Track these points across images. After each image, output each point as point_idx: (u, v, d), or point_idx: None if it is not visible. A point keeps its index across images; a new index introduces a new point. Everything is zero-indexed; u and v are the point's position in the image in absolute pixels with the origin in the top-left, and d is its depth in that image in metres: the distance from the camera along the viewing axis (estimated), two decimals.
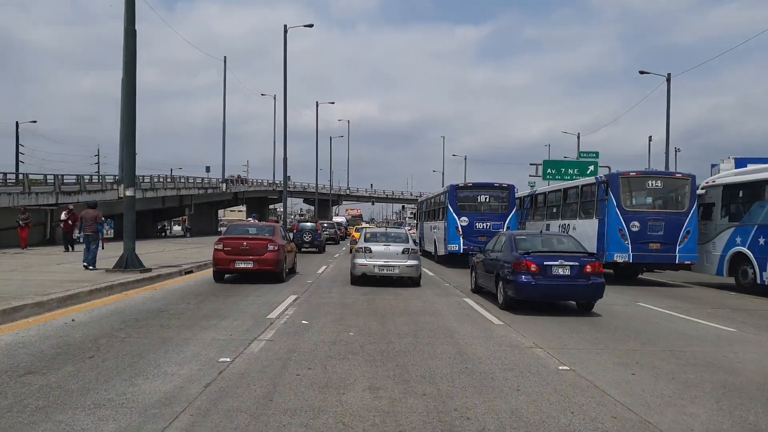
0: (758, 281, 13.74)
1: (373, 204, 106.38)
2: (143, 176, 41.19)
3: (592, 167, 45.36)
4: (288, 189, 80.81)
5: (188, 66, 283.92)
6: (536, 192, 23.18)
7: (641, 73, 33.97)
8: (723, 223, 15.38)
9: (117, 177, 32.23)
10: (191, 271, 15.59)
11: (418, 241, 28.70)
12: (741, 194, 15.20)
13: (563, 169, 43.59)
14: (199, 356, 6.10)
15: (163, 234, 56.45)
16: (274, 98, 64.43)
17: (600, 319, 9.48)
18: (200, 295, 10.96)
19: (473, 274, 13.12)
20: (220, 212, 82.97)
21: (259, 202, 75.39)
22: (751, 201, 14.56)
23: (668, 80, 32.54)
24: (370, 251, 13.83)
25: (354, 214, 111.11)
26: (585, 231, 16.69)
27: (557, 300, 10.52)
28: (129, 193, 13.54)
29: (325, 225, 36.77)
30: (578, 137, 53.79)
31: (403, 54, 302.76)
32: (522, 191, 25.74)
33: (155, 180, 43.51)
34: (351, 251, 20.13)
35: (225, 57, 56.36)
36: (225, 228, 17.41)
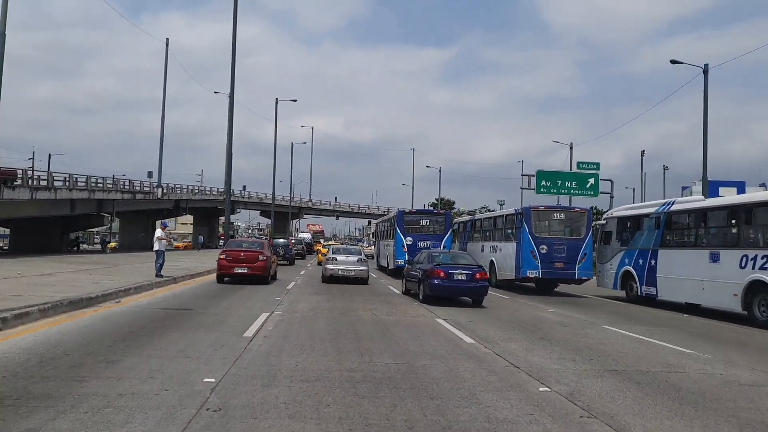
0: (639, 294, 16.73)
1: (337, 218, 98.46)
2: (32, 171, 31.57)
3: (592, 180, 39.56)
4: (243, 199, 72.58)
5: (152, 76, 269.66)
6: (475, 219, 26.90)
7: (672, 62, 28.27)
8: (617, 247, 18.52)
9: None
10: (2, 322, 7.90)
11: (375, 256, 34.31)
12: (629, 224, 18.22)
13: (559, 182, 38.09)
14: None
15: (76, 248, 46.69)
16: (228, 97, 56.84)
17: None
18: None
19: (403, 280, 17.00)
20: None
21: (208, 213, 67.36)
22: (635, 230, 17.76)
23: (705, 72, 28.07)
24: (336, 260, 19.83)
25: (315, 229, 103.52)
26: (508, 251, 20.03)
27: (457, 296, 14.38)
28: None
29: (294, 242, 42.45)
30: (571, 147, 47.88)
31: (367, 73, 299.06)
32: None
33: (53, 177, 32.16)
34: (319, 263, 29.21)
35: (167, 39, 48.74)
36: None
